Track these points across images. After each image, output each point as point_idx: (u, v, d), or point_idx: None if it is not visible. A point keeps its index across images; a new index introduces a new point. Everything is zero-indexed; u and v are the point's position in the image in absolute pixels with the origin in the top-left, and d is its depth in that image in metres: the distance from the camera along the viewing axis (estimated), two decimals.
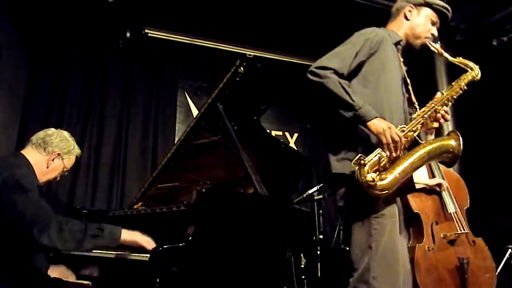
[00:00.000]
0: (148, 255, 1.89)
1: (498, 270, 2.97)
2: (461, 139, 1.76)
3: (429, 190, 2.82)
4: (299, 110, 5.32)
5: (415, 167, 1.73)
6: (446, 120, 1.86)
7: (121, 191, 4.20)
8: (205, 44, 4.81)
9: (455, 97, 1.88)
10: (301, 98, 5.28)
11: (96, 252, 2.16)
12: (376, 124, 1.68)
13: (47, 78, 4.18)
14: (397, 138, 1.67)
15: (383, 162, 1.69)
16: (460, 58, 1.92)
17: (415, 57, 2.08)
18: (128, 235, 1.96)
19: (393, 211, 1.77)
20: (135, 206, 2.74)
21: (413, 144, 1.81)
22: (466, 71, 1.92)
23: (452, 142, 1.75)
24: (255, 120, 2.79)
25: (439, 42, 1.98)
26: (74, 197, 3.99)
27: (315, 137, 5.33)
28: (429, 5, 1.98)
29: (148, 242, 1.96)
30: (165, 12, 4.43)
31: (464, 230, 2.73)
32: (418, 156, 1.72)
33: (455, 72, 1.98)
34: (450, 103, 1.87)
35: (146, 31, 4.52)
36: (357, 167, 1.64)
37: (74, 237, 1.82)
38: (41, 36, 4.17)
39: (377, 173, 1.66)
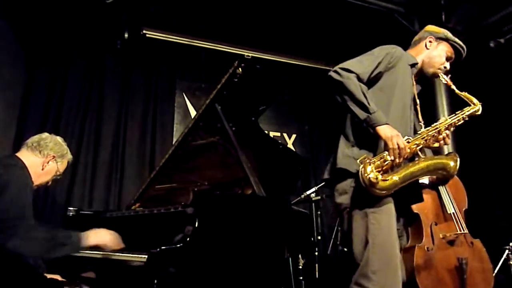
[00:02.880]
0: (146, 256, 1.88)
1: (496, 271, 2.98)
2: (458, 161, 1.91)
3: (428, 191, 2.82)
4: (297, 111, 5.32)
5: (414, 176, 1.88)
6: (446, 143, 2.01)
7: (118, 192, 4.19)
8: (203, 45, 4.81)
9: (457, 124, 2.04)
10: (299, 99, 5.29)
11: (93, 253, 2.15)
12: (385, 130, 1.83)
13: (44, 78, 4.17)
14: (402, 146, 1.81)
15: (386, 166, 1.83)
16: (466, 93, 2.07)
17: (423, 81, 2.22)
18: (94, 238, 2.00)
19: (390, 208, 1.87)
20: (133, 207, 2.74)
21: (412, 157, 1.95)
22: (469, 104, 2.06)
23: (451, 163, 1.90)
24: (253, 121, 2.79)
25: (450, 75, 2.14)
26: (72, 197, 3.98)
27: (313, 138, 5.33)
28: (448, 40, 2.16)
29: (113, 241, 2.02)
30: (163, 13, 4.43)
31: (463, 230, 2.74)
32: (419, 168, 1.87)
33: (454, 97, 2.13)
34: (452, 129, 2.02)
35: (144, 31, 4.52)
36: (362, 165, 1.79)
37: (42, 246, 1.85)
38: (38, 36, 4.15)
39: (380, 173, 1.79)
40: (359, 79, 1.91)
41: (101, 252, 2.13)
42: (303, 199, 3.66)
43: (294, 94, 5.19)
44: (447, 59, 2.15)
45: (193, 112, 4.69)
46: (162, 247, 1.88)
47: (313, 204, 3.65)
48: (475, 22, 4.31)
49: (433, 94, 4.29)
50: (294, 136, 5.24)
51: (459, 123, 2.02)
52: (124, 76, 4.54)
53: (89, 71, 4.40)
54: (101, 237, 2.04)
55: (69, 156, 2.26)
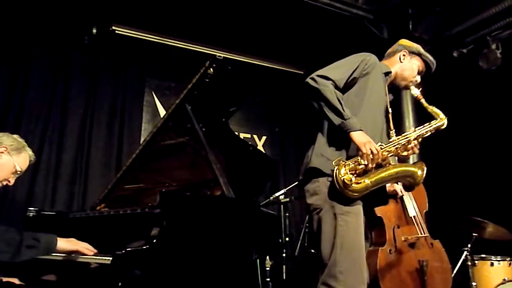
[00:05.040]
0: (111, 258, 1.84)
1: (455, 272, 3.09)
2: (425, 171, 1.98)
3: (391, 195, 2.90)
4: (268, 113, 5.35)
5: (384, 181, 1.96)
6: (414, 153, 2.08)
7: (83, 192, 4.08)
8: (175, 44, 4.76)
9: (425, 136, 2.12)
10: (270, 101, 5.31)
11: (55, 256, 2.07)
12: (359, 136, 1.89)
13: (5, 73, 3.99)
14: (375, 151, 1.88)
15: (359, 170, 1.89)
16: (434, 108, 2.14)
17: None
18: (64, 243, 1.97)
19: (358, 210, 1.93)
20: (98, 208, 2.67)
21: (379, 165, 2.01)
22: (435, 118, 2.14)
23: (419, 172, 1.97)
24: (223, 122, 2.78)
25: (420, 88, 2.21)
26: (33, 197, 3.84)
27: (283, 141, 5.37)
28: (420, 56, 2.24)
29: (86, 249, 1.98)
30: (134, 9, 4.34)
31: (423, 233, 2.84)
32: (389, 173, 1.94)
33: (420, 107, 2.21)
34: (420, 140, 2.10)
35: (114, 28, 4.41)
36: (337, 167, 1.86)
37: (9, 249, 1.79)
38: None
39: (354, 176, 1.86)
40: (336, 85, 1.98)
41: (62, 254, 2.06)
42: (272, 201, 3.68)
43: (265, 96, 5.21)
44: (419, 73, 2.25)
45: (162, 112, 4.62)
46: (128, 249, 1.84)
47: (282, 205, 3.68)
48: (440, 32, 4.48)
49: (399, 103, 4.43)
50: (264, 138, 5.26)
51: (427, 135, 2.11)
52: (91, 73, 4.41)
53: (54, 66, 4.25)
54: (74, 243, 1.99)
55: (29, 153, 2.15)
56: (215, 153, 2.48)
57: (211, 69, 2.38)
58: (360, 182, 1.85)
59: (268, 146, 5.24)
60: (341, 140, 1.97)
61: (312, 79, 1.99)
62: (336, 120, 1.92)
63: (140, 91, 4.64)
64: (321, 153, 2.00)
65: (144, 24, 4.54)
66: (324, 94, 1.93)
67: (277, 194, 3.68)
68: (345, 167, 1.86)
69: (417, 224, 2.85)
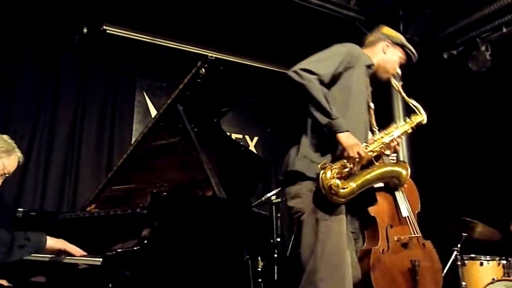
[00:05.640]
0: (101, 259, 1.82)
1: (445, 271, 3.12)
2: (409, 171, 1.97)
3: (384, 194, 2.91)
4: (260, 113, 5.35)
5: (369, 183, 1.90)
6: (396, 151, 2.07)
7: (73, 193, 4.04)
8: (166, 44, 4.73)
9: (407, 132, 2.08)
10: (261, 102, 5.31)
11: (44, 257, 2.05)
12: (346, 137, 1.80)
13: None
14: (363, 154, 1.80)
15: (345, 173, 1.82)
16: (413, 101, 2.11)
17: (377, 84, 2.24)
18: (54, 242, 1.97)
19: (341, 216, 1.84)
20: (88, 209, 2.65)
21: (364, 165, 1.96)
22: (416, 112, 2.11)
23: (404, 172, 1.95)
24: (215, 123, 2.77)
25: (401, 81, 2.18)
26: (22, 197, 3.79)
27: (275, 141, 5.37)
28: (403, 47, 2.17)
29: (75, 249, 1.98)
30: (125, 8, 4.31)
31: (416, 233, 2.85)
32: (374, 175, 1.89)
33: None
34: (403, 137, 2.07)
35: (105, 27, 4.38)
36: (323, 171, 1.76)
37: (0, 250, 1.78)
38: None
39: (340, 180, 1.78)
40: (320, 80, 1.86)
41: (51, 255, 2.04)
42: (263, 201, 3.68)
43: (257, 97, 5.21)
44: (400, 65, 2.18)
45: (153, 112, 4.59)
46: (118, 250, 1.82)
47: (274, 206, 3.68)
48: (430, 34, 4.52)
49: (389, 98, 4.45)
50: (256, 138, 5.26)
51: (409, 131, 2.07)
52: (81, 73, 4.37)
53: (44, 65, 4.20)
54: (62, 242, 1.99)
55: (18, 154, 2.12)
56: (206, 154, 2.47)
57: (203, 69, 2.37)
58: (347, 187, 1.77)
59: (260, 146, 5.24)
60: (326, 140, 1.87)
61: (296, 73, 1.85)
62: (323, 119, 1.81)
63: (131, 91, 4.60)
64: (304, 154, 1.89)
65: (136, 24, 4.51)
66: (309, 91, 1.81)
67: (269, 195, 3.68)
68: (331, 171, 1.76)
69: (410, 224, 2.86)
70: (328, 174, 1.75)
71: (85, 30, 4.21)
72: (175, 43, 4.76)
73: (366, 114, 2.04)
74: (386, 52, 2.15)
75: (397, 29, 4.44)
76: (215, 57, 2.48)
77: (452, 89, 4.84)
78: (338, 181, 1.76)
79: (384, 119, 2.21)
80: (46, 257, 2.06)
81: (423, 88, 4.08)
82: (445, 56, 4.62)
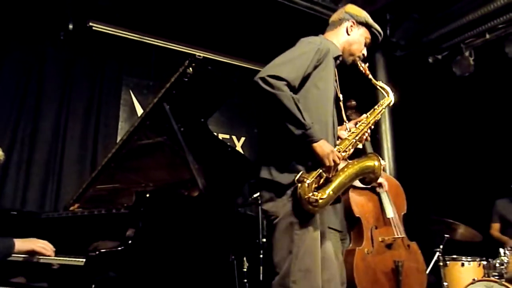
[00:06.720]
0: (84, 260, 1.79)
1: (427, 272, 3.16)
2: (381, 160, 1.90)
3: (370, 195, 2.94)
4: (247, 114, 5.34)
5: (345, 184, 1.83)
6: (367, 140, 1.99)
7: (56, 192, 3.97)
8: (153, 42, 4.69)
9: (377, 119, 2.02)
10: (248, 102, 5.31)
11: (25, 257, 2.01)
12: (322, 147, 1.73)
13: None
14: (338, 161, 1.75)
15: (321, 182, 1.76)
16: (380, 83, 2.04)
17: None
18: (22, 245, 1.94)
19: (315, 219, 1.79)
20: (71, 208, 2.60)
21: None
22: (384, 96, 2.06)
23: (376, 164, 1.86)
24: (202, 123, 2.76)
25: (367, 63, 2.08)
26: (2, 197, 3.71)
27: None
28: (368, 26, 2.05)
29: (44, 248, 1.95)
30: (112, 6, 4.26)
31: (400, 234, 2.89)
32: (348, 175, 1.82)
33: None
34: (373, 127, 2.00)
35: (91, 24, 4.32)
36: (300, 185, 1.70)
37: None
38: None
39: (318, 191, 1.72)
40: (290, 86, 1.75)
41: (26, 256, 2.00)
42: (249, 202, 3.67)
43: (244, 97, 5.21)
44: (365, 45, 2.06)
45: (139, 110, 4.55)
46: (102, 250, 1.80)
47: (260, 207, 3.67)
48: (417, 38, 4.59)
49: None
50: (243, 139, 5.26)
51: (378, 118, 2.00)
52: (66, 70, 4.30)
53: (27, 63, 4.12)
54: (32, 243, 1.96)
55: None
56: (193, 154, 2.46)
57: (191, 68, 2.35)
58: (325, 196, 1.71)
59: (247, 147, 5.24)
60: (299, 149, 1.77)
61: (263, 80, 1.72)
62: (296, 131, 1.71)
63: (117, 90, 4.55)
64: (277, 163, 1.79)
65: (123, 21, 4.46)
66: (281, 101, 1.70)
67: (255, 195, 3.67)
68: (308, 185, 1.69)
69: (394, 226, 2.90)
70: (306, 187, 1.69)
71: (70, 27, 4.15)
72: (163, 42, 4.73)
73: (334, 110, 1.95)
74: (350, 33, 2.02)
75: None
76: (203, 57, 2.47)
77: (436, 93, 4.92)
78: (316, 194, 1.70)
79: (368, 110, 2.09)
80: (17, 257, 2.01)
81: (408, 90, 4.14)
82: (430, 60, 4.70)
